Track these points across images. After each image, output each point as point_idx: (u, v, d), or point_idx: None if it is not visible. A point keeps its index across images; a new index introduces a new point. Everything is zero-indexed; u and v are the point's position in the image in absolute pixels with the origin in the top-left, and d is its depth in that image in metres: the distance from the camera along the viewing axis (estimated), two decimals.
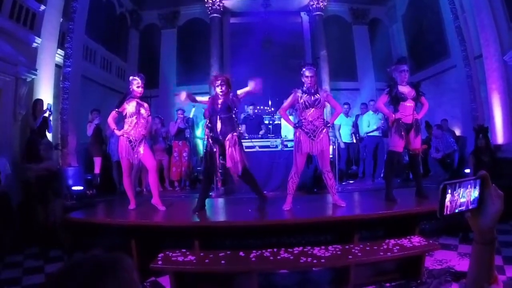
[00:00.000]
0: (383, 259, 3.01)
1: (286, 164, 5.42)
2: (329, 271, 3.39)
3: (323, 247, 3.11)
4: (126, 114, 3.87)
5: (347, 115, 6.98)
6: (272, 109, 8.87)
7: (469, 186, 0.79)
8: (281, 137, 6.27)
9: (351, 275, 2.94)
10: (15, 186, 5.00)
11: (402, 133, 3.82)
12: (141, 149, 3.83)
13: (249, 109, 7.03)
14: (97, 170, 6.27)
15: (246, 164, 3.66)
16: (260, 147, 6.06)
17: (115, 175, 6.09)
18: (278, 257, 2.96)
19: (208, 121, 3.79)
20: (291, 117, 6.36)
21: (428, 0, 8.61)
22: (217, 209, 4.34)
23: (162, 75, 10.28)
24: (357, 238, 3.26)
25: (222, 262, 2.89)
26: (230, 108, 3.66)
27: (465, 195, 0.79)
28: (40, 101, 5.68)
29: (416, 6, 9.34)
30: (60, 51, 6.56)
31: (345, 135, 6.87)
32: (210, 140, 3.68)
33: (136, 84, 3.86)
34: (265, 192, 5.38)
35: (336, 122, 6.84)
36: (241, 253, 3.04)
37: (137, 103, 3.88)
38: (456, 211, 0.79)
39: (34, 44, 5.88)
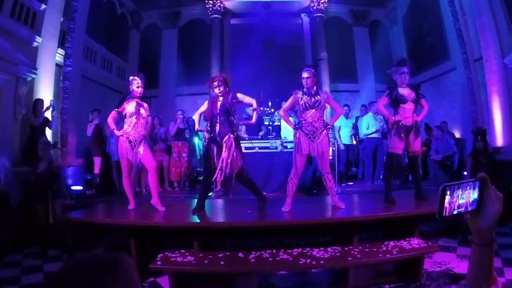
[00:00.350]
0: (382, 261, 3.02)
1: (286, 165, 5.42)
2: (328, 272, 3.39)
3: (322, 248, 3.11)
4: (125, 114, 3.87)
5: (347, 117, 6.99)
6: (272, 110, 8.87)
7: (468, 187, 0.79)
8: (281, 138, 6.28)
9: (350, 277, 2.94)
10: (15, 185, 4.99)
11: (402, 135, 3.83)
12: (141, 149, 3.83)
13: (249, 110, 7.02)
14: (97, 170, 6.28)
15: (243, 166, 3.67)
16: (260, 148, 6.07)
17: (115, 175, 6.09)
18: (278, 258, 2.96)
19: (208, 123, 3.78)
20: (291, 119, 6.38)
21: (429, 2, 8.62)
22: (217, 210, 4.34)
23: (162, 76, 10.28)
24: (356, 240, 3.26)
25: (221, 263, 2.89)
26: (228, 111, 3.67)
27: (464, 197, 0.79)
28: (40, 101, 5.68)
29: (416, 8, 9.36)
30: (60, 51, 6.56)
31: (345, 136, 6.87)
32: (208, 141, 3.69)
33: (136, 84, 3.86)
34: (264, 193, 5.40)
35: (336, 123, 6.85)
36: (240, 254, 3.04)
37: (137, 103, 3.88)
38: (455, 212, 0.79)
39: (35, 44, 5.88)
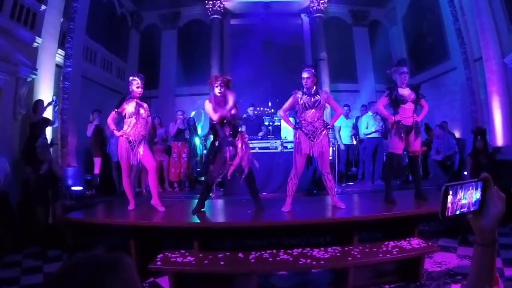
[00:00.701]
0: (382, 261, 3.02)
1: (286, 165, 5.42)
2: (328, 272, 3.39)
3: (322, 248, 3.11)
4: (125, 114, 3.86)
5: (347, 117, 6.99)
6: (272, 110, 8.88)
7: (470, 188, 0.80)
8: (281, 139, 6.28)
9: (350, 277, 2.93)
10: (14, 185, 5.00)
11: (402, 135, 3.82)
12: (141, 150, 3.83)
13: (249, 110, 7.04)
14: (97, 170, 6.28)
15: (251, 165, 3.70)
16: (260, 148, 6.07)
17: (115, 176, 6.09)
18: (278, 258, 2.96)
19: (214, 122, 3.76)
20: (291, 119, 6.38)
21: (428, 2, 8.62)
22: (217, 210, 4.34)
23: (162, 76, 10.27)
24: (357, 240, 3.26)
25: (221, 263, 2.89)
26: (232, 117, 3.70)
27: (467, 197, 0.80)
28: (40, 102, 5.68)
29: (416, 8, 9.35)
30: (60, 51, 6.56)
31: (345, 136, 6.88)
32: (220, 142, 3.67)
33: (136, 84, 3.85)
34: (264, 193, 5.41)
35: (336, 123, 6.86)
36: (240, 254, 3.04)
37: (137, 103, 3.87)
38: (458, 212, 0.79)
39: (35, 44, 5.88)
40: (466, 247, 3.78)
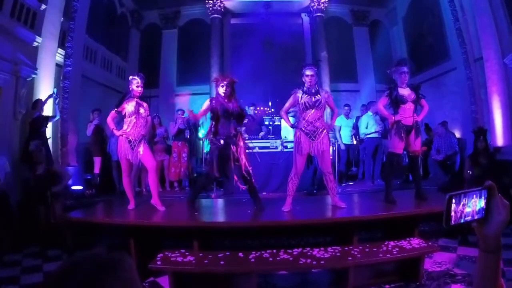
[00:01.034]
0: (382, 261, 3.02)
1: (286, 165, 5.41)
2: (328, 272, 3.39)
3: (322, 248, 3.11)
4: (125, 114, 3.86)
5: (347, 116, 6.99)
6: (272, 110, 8.87)
7: (474, 196, 0.81)
8: (281, 138, 6.27)
9: (350, 277, 2.93)
10: (14, 185, 4.99)
11: (402, 135, 3.82)
12: (141, 149, 3.82)
13: (250, 110, 7.03)
14: (96, 170, 6.28)
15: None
16: (260, 148, 6.06)
17: (115, 175, 6.09)
18: (278, 258, 2.96)
19: (215, 122, 3.75)
20: (291, 119, 6.37)
21: (429, 2, 8.61)
22: (217, 210, 4.34)
23: (162, 75, 10.27)
24: (357, 240, 3.26)
25: (221, 262, 2.89)
26: (234, 114, 3.69)
27: (471, 205, 0.80)
28: (40, 101, 5.68)
29: (416, 8, 9.34)
30: (60, 51, 6.55)
31: (345, 136, 6.87)
32: (224, 141, 3.65)
33: (136, 83, 3.85)
34: (264, 193, 5.41)
35: (337, 123, 6.86)
36: (240, 254, 3.04)
37: (137, 102, 3.87)
38: (462, 221, 0.80)
39: (35, 43, 5.87)
40: (466, 247, 3.79)
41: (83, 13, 6.93)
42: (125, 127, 3.84)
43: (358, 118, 7.23)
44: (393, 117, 3.87)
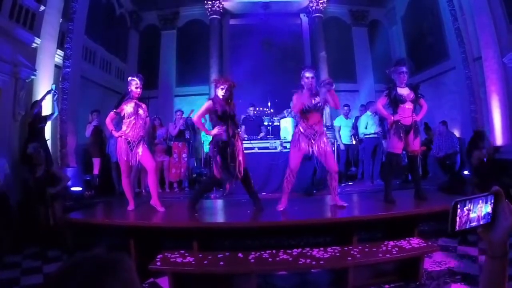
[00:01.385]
0: (382, 261, 3.01)
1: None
2: (328, 272, 3.39)
3: (322, 248, 3.11)
4: (124, 115, 3.85)
5: (346, 116, 7.00)
6: (272, 110, 8.87)
7: (480, 202, 0.81)
8: (280, 139, 6.27)
9: (349, 277, 2.93)
10: (14, 186, 4.99)
11: (401, 134, 3.82)
12: (140, 150, 3.82)
13: (250, 110, 7.03)
14: (96, 171, 6.27)
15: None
16: (259, 148, 6.07)
17: (114, 176, 6.09)
18: (277, 259, 2.96)
19: (214, 123, 3.75)
20: (291, 119, 6.38)
21: (428, 2, 8.63)
22: (216, 210, 4.34)
23: (161, 76, 10.28)
24: (356, 240, 3.26)
25: (221, 263, 2.89)
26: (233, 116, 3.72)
27: (476, 211, 0.80)
28: (39, 101, 5.68)
29: (415, 8, 9.37)
30: (59, 52, 6.56)
31: (344, 136, 6.88)
32: (225, 142, 3.64)
33: (135, 84, 3.84)
34: (264, 193, 5.41)
35: (336, 123, 6.89)
36: (240, 255, 3.04)
37: (136, 104, 3.86)
38: (467, 227, 0.80)
39: (34, 45, 5.88)
40: (466, 247, 3.79)
41: (82, 14, 6.93)
42: (124, 128, 3.83)
43: (357, 118, 7.23)
44: (392, 117, 3.87)
